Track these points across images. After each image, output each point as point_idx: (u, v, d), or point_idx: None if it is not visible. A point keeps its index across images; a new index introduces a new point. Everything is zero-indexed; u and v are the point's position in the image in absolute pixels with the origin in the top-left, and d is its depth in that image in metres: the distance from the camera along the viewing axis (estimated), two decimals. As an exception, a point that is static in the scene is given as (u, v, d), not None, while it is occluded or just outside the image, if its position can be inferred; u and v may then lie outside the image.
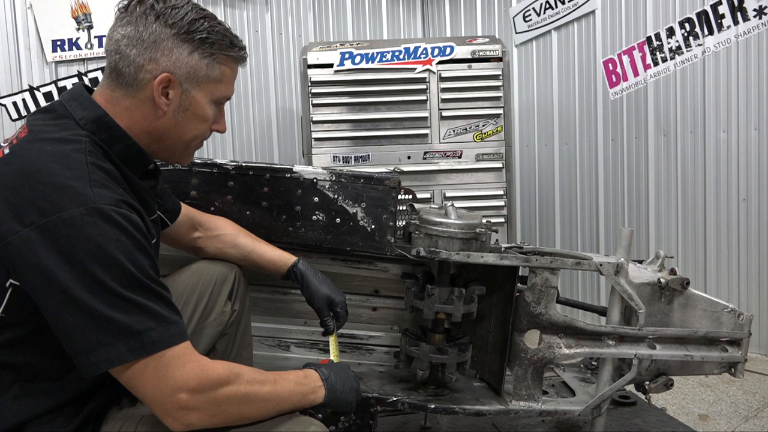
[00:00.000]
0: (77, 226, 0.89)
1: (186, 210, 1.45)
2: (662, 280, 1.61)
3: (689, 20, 3.12)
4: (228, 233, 1.49)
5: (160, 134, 1.10)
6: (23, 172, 0.94)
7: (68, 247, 0.89)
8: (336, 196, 1.58)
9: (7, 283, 0.94)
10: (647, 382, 1.68)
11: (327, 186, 1.58)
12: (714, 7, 3.02)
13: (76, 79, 3.52)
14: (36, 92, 3.48)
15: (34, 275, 0.90)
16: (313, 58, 3.10)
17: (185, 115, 1.09)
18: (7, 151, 0.99)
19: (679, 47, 3.19)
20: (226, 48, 1.10)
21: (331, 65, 3.10)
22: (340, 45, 3.19)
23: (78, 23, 3.56)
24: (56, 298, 0.90)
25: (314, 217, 1.59)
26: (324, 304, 1.44)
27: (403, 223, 1.67)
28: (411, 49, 3.14)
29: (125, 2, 1.07)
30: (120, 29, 1.06)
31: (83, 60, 3.59)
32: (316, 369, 1.15)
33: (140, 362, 0.92)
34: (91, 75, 3.56)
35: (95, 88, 1.11)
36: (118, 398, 1.10)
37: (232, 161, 1.59)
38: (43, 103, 3.43)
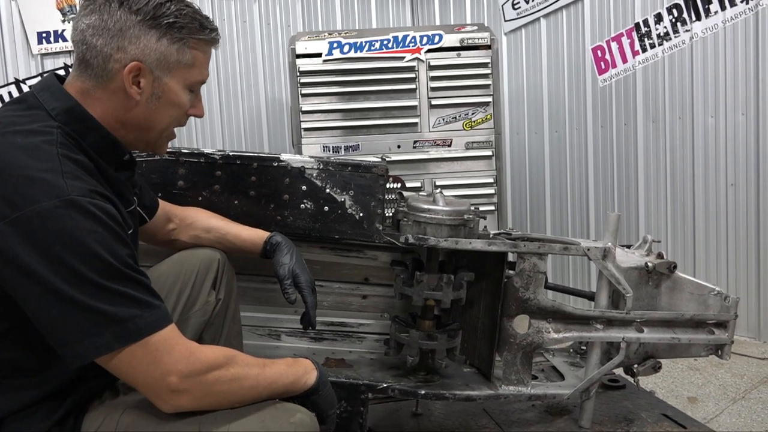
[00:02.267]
0: (52, 218, 0.88)
1: (161, 204, 1.44)
2: (649, 265, 1.62)
3: (677, 6, 3.13)
4: (200, 218, 1.48)
5: (135, 124, 1.08)
6: None
7: (44, 241, 0.88)
8: (324, 185, 1.58)
9: None
10: (635, 366, 1.69)
11: (315, 174, 1.58)
12: (701, -8, 3.03)
13: (62, 72, 3.49)
14: (22, 85, 3.45)
15: (12, 270, 0.89)
16: (301, 47, 3.09)
17: (159, 102, 1.07)
18: None
19: (667, 33, 3.19)
20: (195, 31, 1.07)
21: (319, 55, 3.09)
22: (329, 34, 3.18)
23: (63, 15, 3.53)
24: (36, 292, 0.89)
25: (302, 205, 1.59)
26: (288, 274, 1.39)
27: (392, 212, 1.67)
28: (400, 38, 3.13)
29: None
30: (84, 19, 1.03)
31: (69, 52, 3.55)
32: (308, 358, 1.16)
33: (127, 349, 0.91)
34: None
35: (67, 78, 1.08)
36: (100, 392, 1.09)
37: (219, 151, 1.58)
38: (29, 95, 3.39)
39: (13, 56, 3.49)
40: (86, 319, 0.89)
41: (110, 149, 1.07)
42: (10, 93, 3.44)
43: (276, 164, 1.57)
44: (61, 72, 3.47)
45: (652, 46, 3.26)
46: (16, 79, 3.45)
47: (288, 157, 1.59)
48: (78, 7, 1.05)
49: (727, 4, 2.96)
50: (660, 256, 1.69)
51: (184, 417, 0.98)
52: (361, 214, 1.59)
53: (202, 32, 1.09)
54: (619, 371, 1.84)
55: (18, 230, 0.88)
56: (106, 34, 1.01)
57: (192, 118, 1.21)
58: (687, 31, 3.12)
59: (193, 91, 1.13)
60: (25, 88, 3.45)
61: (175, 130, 1.19)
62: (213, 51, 1.16)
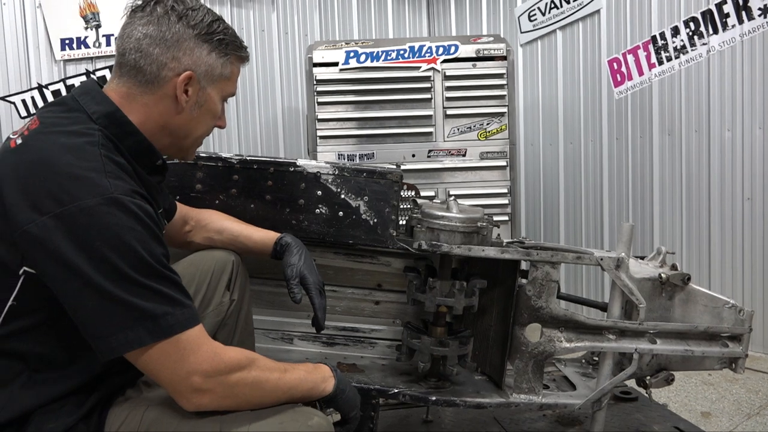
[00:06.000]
0: (94, 215, 0.92)
1: (178, 207, 1.47)
2: (663, 276, 1.62)
3: (694, 19, 3.13)
4: (213, 220, 1.51)
5: (175, 129, 1.14)
6: (38, 162, 0.96)
7: (86, 236, 0.92)
8: (339, 190, 1.60)
9: (21, 271, 0.96)
10: (648, 377, 1.68)
11: (330, 180, 1.60)
12: (719, 6, 3.02)
13: (84, 78, 3.55)
14: (45, 90, 3.51)
15: (53, 263, 0.92)
16: (318, 56, 3.12)
17: (200, 111, 1.15)
18: (19, 141, 1.01)
19: (683, 46, 3.19)
20: (237, 49, 1.17)
21: (336, 64, 3.12)
22: (346, 44, 3.21)
23: (86, 22, 3.59)
24: (75, 285, 0.92)
25: (317, 210, 1.60)
26: (295, 274, 1.39)
27: (406, 219, 1.69)
28: (416, 48, 3.15)
29: (140, 2, 1.10)
30: (141, 28, 1.08)
31: (91, 59, 3.62)
32: (326, 363, 1.19)
33: (157, 346, 0.94)
34: (99, 73, 3.59)
35: (106, 84, 1.13)
36: (123, 389, 1.12)
37: (236, 155, 1.60)
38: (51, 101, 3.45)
39: (37, 62, 3.56)
40: (121, 314, 0.92)
41: (145, 154, 1.11)
42: (32, 98, 3.50)
43: (292, 169, 1.59)
44: (83, 78, 3.54)
45: (669, 59, 3.26)
46: (39, 84, 3.51)
47: (304, 162, 1.61)
48: (125, 17, 1.12)
49: (744, 17, 2.95)
50: (674, 267, 1.68)
51: (206, 416, 1.00)
52: (375, 220, 1.61)
53: (241, 50, 1.19)
54: (632, 383, 1.83)
55: (61, 224, 0.91)
56: (163, 44, 1.08)
57: None
58: (704, 44, 3.11)
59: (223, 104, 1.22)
60: (48, 93, 3.52)
61: None
62: None
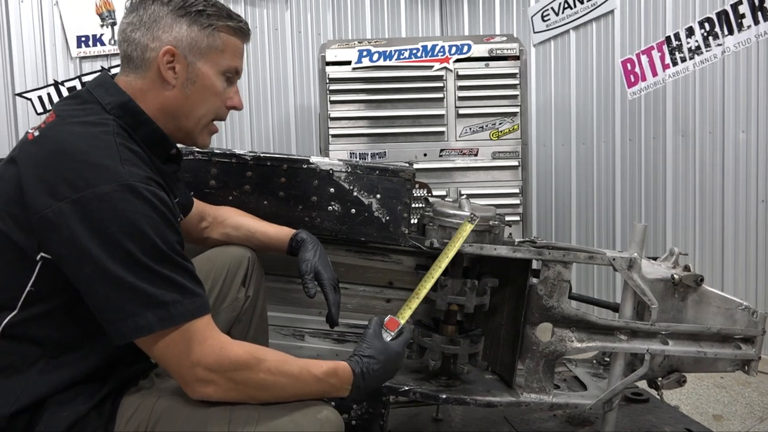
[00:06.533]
0: (110, 201, 0.94)
1: (196, 203, 1.48)
2: (676, 277, 1.61)
3: (709, 20, 3.11)
4: (230, 216, 1.52)
5: (173, 111, 1.13)
6: (55, 151, 0.98)
7: (100, 221, 0.93)
8: (351, 187, 1.60)
9: (38, 256, 0.98)
10: (660, 379, 1.67)
11: (343, 177, 1.60)
12: (734, 6, 3.00)
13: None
14: (60, 87, 3.55)
15: (67, 247, 0.94)
16: (331, 55, 3.14)
17: (194, 87, 1.13)
18: (37, 134, 1.03)
19: (698, 47, 3.17)
20: (223, 18, 1.14)
21: (349, 62, 3.13)
22: (359, 43, 3.22)
23: (102, 20, 3.63)
24: (88, 270, 0.94)
25: (330, 207, 1.61)
26: (309, 270, 1.38)
27: (418, 218, 1.69)
28: (428, 47, 3.16)
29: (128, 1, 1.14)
30: (125, 19, 1.12)
31: (107, 56, 3.66)
32: (352, 365, 1.11)
33: (165, 334, 0.96)
34: (114, 70, 3.62)
35: (115, 77, 1.15)
36: (136, 379, 1.13)
37: (250, 152, 1.62)
38: (67, 97, 3.49)
39: (53, 59, 3.60)
40: (131, 300, 0.94)
41: (159, 142, 1.13)
42: (48, 94, 3.54)
43: (305, 166, 1.60)
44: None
45: (683, 60, 3.24)
46: (55, 81, 3.55)
47: (317, 159, 1.61)
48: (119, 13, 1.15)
49: (760, 18, 2.93)
50: (687, 268, 1.67)
51: (216, 406, 1.01)
52: (387, 218, 1.61)
53: (229, 20, 1.15)
54: (643, 385, 1.83)
55: (77, 210, 0.93)
56: (143, 27, 1.10)
57: (220, 122, 1.25)
58: (719, 45, 3.09)
59: (230, 82, 1.19)
60: (63, 90, 3.56)
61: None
62: (245, 49, 1.22)
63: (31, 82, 3.55)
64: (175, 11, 1.10)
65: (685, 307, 1.65)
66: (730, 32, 3.03)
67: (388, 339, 1.18)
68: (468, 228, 1.46)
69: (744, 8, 2.97)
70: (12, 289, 1.00)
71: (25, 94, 3.51)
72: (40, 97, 3.52)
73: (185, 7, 1.11)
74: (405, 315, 1.27)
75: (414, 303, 1.31)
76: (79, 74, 3.61)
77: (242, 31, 1.18)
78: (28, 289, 0.99)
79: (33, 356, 1.02)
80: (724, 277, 3.16)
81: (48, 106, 3.53)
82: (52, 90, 3.54)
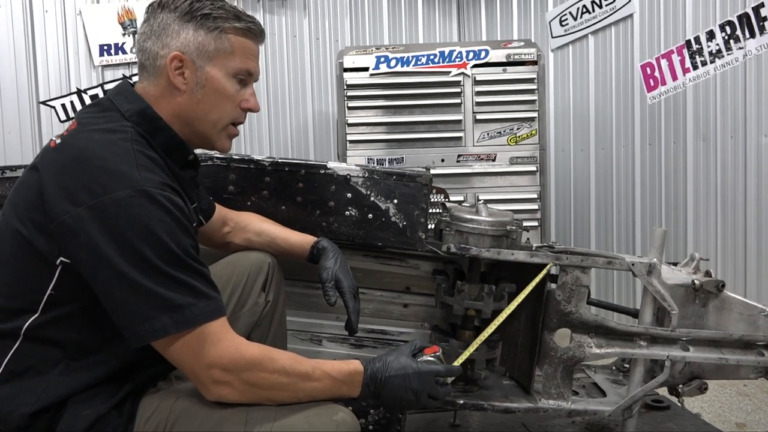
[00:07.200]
0: (126, 206, 0.96)
1: (218, 208, 1.51)
2: (696, 282, 1.59)
3: (730, 23, 3.07)
4: (253, 223, 1.54)
5: (186, 116, 1.15)
6: (75, 158, 1.01)
7: (117, 226, 0.95)
8: (368, 192, 1.61)
9: (58, 261, 1.00)
10: (681, 386, 1.65)
11: (360, 182, 1.61)
12: (756, 9, 2.96)
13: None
14: (83, 95, 3.61)
15: (86, 252, 0.96)
16: (349, 61, 3.15)
17: (204, 91, 1.14)
18: (59, 141, 1.06)
19: (719, 51, 3.13)
20: (230, 20, 1.14)
21: (366, 69, 3.14)
22: (376, 49, 3.23)
23: (124, 28, 3.69)
24: (105, 274, 0.96)
25: (347, 212, 1.62)
26: (330, 278, 1.40)
27: (435, 223, 1.69)
28: (446, 53, 3.16)
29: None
30: (140, 30, 1.17)
31: (128, 64, 3.71)
32: (364, 363, 1.13)
33: (181, 336, 0.97)
34: (135, 78, 3.67)
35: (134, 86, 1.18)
36: (155, 380, 1.15)
37: (268, 157, 1.63)
38: (89, 105, 3.54)
39: (77, 67, 3.66)
40: (147, 303, 0.95)
41: (176, 148, 1.15)
42: (72, 102, 3.60)
43: (323, 171, 1.61)
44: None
45: (704, 64, 3.20)
46: (78, 89, 3.61)
47: (334, 164, 1.62)
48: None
49: (783, 21, 2.89)
50: (708, 274, 1.65)
51: (232, 406, 1.02)
52: (404, 223, 1.61)
53: (237, 21, 1.15)
54: (664, 392, 1.80)
55: (94, 215, 0.95)
56: (153, 36, 1.13)
57: (240, 126, 1.26)
58: (740, 48, 3.05)
59: (243, 84, 1.19)
60: (86, 98, 3.62)
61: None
62: (259, 49, 1.22)
63: (54, 90, 3.61)
64: (182, 17, 1.12)
65: (707, 313, 1.63)
66: (752, 35, 2.99)
67: (416, 358, 1.18)
68: (543, 271, 1.49)
69: (766, 11, 2.93)
70: (34, 292, 1.02)
71: (48, 102, 3.58)
72: (63, 105, 3.58)
73: (191, 12, 1.12)
74: (462, 357, 1.35)
75: (472, 347, 1.38)
76: (101, 82, 3.67)
77: (252, 32, 1.18)
78: (48, 292, 1.02)
79: (54, 358, 1.04)
80: (746, 281, 3.11)
81: (71, 114, 3.59)
82: (75, 98, 3.60)
